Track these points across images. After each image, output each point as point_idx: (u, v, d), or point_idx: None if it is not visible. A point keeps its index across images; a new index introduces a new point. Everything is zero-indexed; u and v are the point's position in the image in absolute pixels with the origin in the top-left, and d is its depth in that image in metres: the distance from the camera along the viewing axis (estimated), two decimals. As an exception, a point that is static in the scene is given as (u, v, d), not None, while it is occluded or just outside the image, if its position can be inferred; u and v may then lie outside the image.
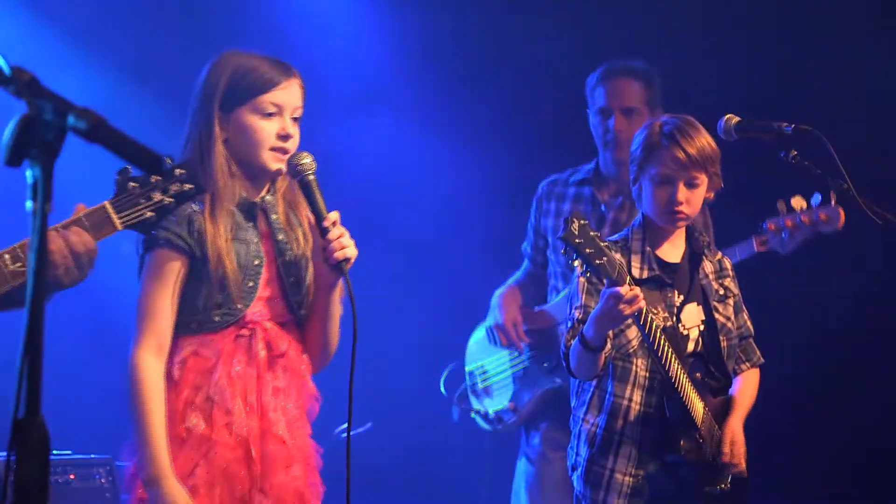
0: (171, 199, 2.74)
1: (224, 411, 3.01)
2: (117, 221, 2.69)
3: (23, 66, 1.77)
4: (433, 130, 5.81)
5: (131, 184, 2.71)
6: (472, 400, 4.90)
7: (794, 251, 4.25)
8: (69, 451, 4.49)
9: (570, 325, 3.53)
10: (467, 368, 4.95)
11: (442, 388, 5.01)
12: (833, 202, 4.08)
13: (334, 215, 3.05)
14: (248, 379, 3.05)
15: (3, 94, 1.78)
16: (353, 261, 3.05)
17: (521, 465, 4.82)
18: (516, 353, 4.77)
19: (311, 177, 3.06)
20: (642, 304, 3.29)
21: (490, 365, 4.86)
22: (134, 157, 1.75)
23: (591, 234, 3.23)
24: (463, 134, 5.81)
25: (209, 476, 2.98)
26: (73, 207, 2.71)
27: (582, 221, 3.22)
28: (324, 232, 3.04)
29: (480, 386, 4.89)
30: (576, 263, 3.25)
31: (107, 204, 2.70)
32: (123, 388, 3.02)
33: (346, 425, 2.98)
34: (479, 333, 4.92)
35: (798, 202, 4.18)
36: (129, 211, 2.70)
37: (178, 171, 2.75)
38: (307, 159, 3.07)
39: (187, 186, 2.76)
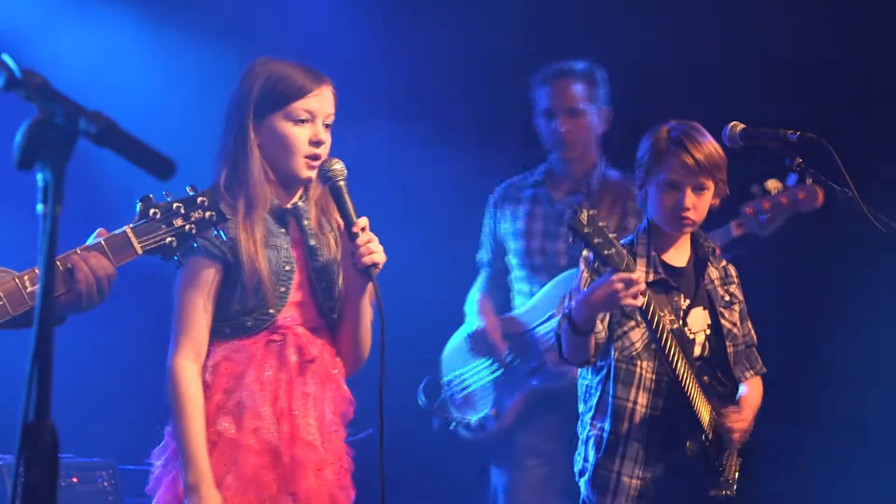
0: (192, 226, 2.75)
1: (254, 416, 3.04)
2: (137, 246, 2.71)
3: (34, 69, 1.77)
4: (430, 139, 5.77)
5: (153, 210, 2.73)
6: (452, 410, 4.84)
7: (774, 232, 4.23)
8: (72, 455, 4.49)
9: (566, 312, 3.50)
10: (444, 378, 4.88)
11: (421, 399, 4.95)
12: (808, 181, 4.04)
13: (363, 221, 3.08)
14: (279, 384, 3.08)
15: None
16: (381, 266, 3.08)
17: (497, 474, 4.78)
18: (495, 360, 4.74)
19: (342, 182, 3.10)
20: (641, 300, 3.28)
21: (468, 373, 4.82)
22: (144, 162, 1.75)
23: (600, 224, 3.23)
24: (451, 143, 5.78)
25: (238, 484, 3.01)
26: (95, 231, 2.73)
27: (590, 212, 3.22)
28: (353, 237, 3.07)
29: (460, 395, 4.83)
30: (584, 252, 3.25)
31: (128, 229, 2.73)
32: (164, 394, 3.06)
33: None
34: (454, 342, 4.88)
35: (773, 184, 4.17)
36: (149, 236, 2.73)
37: (200, 198, 2.77)
38: (338, 165, 3.11)
39: (209, 214, 2.78)
